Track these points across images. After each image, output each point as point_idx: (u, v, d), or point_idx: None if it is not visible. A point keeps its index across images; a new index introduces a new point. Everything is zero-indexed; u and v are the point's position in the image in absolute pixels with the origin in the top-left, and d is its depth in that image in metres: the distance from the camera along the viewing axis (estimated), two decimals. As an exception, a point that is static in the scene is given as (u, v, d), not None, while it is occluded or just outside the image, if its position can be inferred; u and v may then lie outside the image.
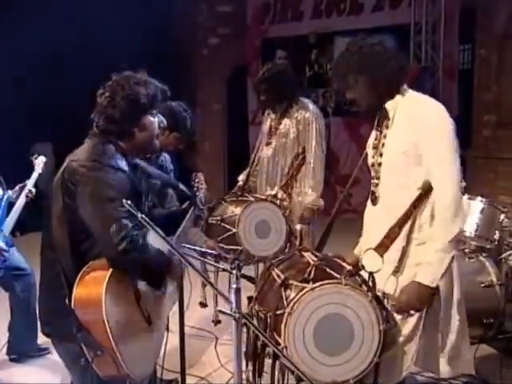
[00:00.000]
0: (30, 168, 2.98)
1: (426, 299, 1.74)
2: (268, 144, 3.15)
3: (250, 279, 2.22)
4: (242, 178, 3.25)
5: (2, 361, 2.94)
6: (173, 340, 2.10)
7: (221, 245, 2.68)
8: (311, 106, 3.07)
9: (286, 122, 3.05)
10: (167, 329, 2.00)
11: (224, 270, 2.39)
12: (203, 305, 3.29)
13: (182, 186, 2.10)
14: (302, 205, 2.96)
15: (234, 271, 1.50)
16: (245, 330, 1.51)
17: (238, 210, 2.69)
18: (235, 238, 2.65)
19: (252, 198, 2.74)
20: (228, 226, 2.68)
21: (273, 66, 3.17)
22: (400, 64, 1.83)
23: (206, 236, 2.82)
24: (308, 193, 2.95)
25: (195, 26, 6.77)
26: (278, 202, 2.78)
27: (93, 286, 1.42)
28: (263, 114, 3.31)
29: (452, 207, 1.71)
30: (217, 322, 3.16)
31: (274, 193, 2.93)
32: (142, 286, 1.58)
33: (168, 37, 6.19)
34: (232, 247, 2.65)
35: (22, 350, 2.94)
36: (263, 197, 2.83)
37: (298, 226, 2.86)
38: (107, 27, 5.28)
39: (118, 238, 1.42)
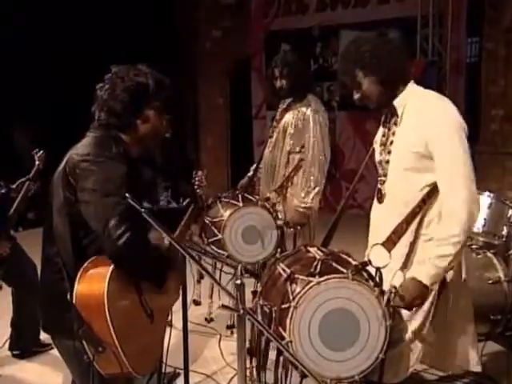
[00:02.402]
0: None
1: (424, 298, 1.68)
2: (270, 137, 3.07)
3: (252, 274, 2.19)
4: (253, 168, 3.19)
5: (4, 357, 2.93)
6: (176, 336, 2.08)
7: (212, 247, 2.69)
8: (313, 102, 2.91)
9: (287, 117, 2.94)
10: (170, 325, 1.98)
11: (227, 264, 2.38)
12: (197, 303, 3.28)
13: (182, 183, 2.08)
14: (295, 207, 2.84)
15: (239, 267, 1.47)
16: (248, 325, 1.49)
17: (226, 214, 2.67)
18: (222, 243, 2.65)
19: (241, 203, 2.69)
20: (216, 231, 2.68)
21: (291, 51, 3.06)
22: (403, 55, 1.81)
23: (203, 235, 2.81)
24: (300, 195, 2.82)
25: (197, 19, 6.72)
26: (269, 205, 2.73)
27: (95, 281, 1.39)
28: (271, 108, 3.23)
29: (465, 206, 1.65)
30: (210, 319, 3.15)
31: (267, 195, 2.88)
32: (144, 281, 1.55)
33: (170, 30, 6.16)
34: (220, 251, 2.65)
35: (24, 346, 2.93)
36: (253, 200, 2.76)
37: (292, 230, 2.81)
38: (107, 21, 5.25)
39: (118, 233, 1.39)
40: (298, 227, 2.82)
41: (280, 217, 2.75)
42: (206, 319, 3.17)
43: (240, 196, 2.78)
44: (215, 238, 2.70)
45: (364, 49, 1.77)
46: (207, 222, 2.77)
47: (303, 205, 2.81)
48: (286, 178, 2.88)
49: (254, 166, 3.18)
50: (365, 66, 1.76)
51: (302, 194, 2.82)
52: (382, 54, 1.75)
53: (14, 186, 2.89)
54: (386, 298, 1.51)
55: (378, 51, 1.76)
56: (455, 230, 1.65)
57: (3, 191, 2.80)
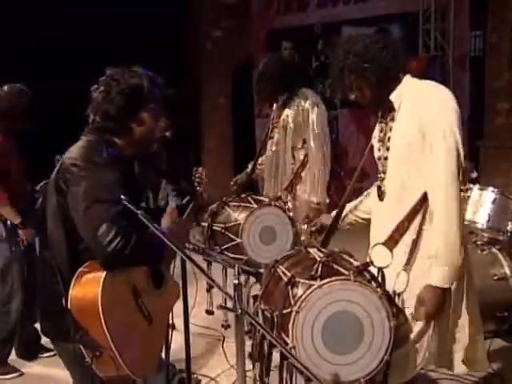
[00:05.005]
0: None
1: (442, 303, 1.67)
2: (271, 138, 3.04)
3: (254, 274, 2.16)
4: (251, 164, 3.16)
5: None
6: (180, 338, 2.07)
7: (226, 253, 2.63)
8: (310, 95, 2.91)
9: (285, 113, 2.92)
10: (173, 327, 1.97)
11: (224, 262, 2.35)
12: (210, 312, 3.24)
13: (183, 182, 2.06)
14: (307, 203, 2.84)
15: (236, 266, 1.46)
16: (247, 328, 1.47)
17: (241, 218, 2.62)
18: (240, 248, 2.60)
19: (255, 205, 2.65)
20: (232, 236, 2.62)
21: (266, 61, 2.99)
22: (394, 54, 1.76)
23: (212, 241, 2.74)
24: (308, 191, 2.82)
25: (198, 19, 6.69)
26: (282, 204, 2.70)
27: (89, 286, 1.39)
28: (270, 107, 3.21)
29: (449, 200, 1.63)
30: (227, 326, 3.09)
31: (278, 195, 2.85)
32: (140, 283, 1.54)
33: (170, 31, 6.13)
34: (237, 256, 2.59)
35: (23, 351, 2.92)
36: (266, 201, 2.72)
37: (305, 226, 2.78)
38: (108, 22, 5.24)
39: (107, 240, 1.37)
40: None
41: (292, 214, 2.72)
42: (222, 326, 3.11)
43: (250, 198, 2.73)
44: (232, 243, 2.63)
45: (353, 53, 1.73)
46: (218, 228, 2.69)
47: (319, 200, 2.81)
48: (295, 175, 2.86)
49: (252, 162, 3.16)
50: (354, 70, 1.74)
51: (312, 190, 2.82)
52: (372, 57, 1.72)
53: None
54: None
55: (368, 54, 1.72)
56: (444, 227, 1.63)
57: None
